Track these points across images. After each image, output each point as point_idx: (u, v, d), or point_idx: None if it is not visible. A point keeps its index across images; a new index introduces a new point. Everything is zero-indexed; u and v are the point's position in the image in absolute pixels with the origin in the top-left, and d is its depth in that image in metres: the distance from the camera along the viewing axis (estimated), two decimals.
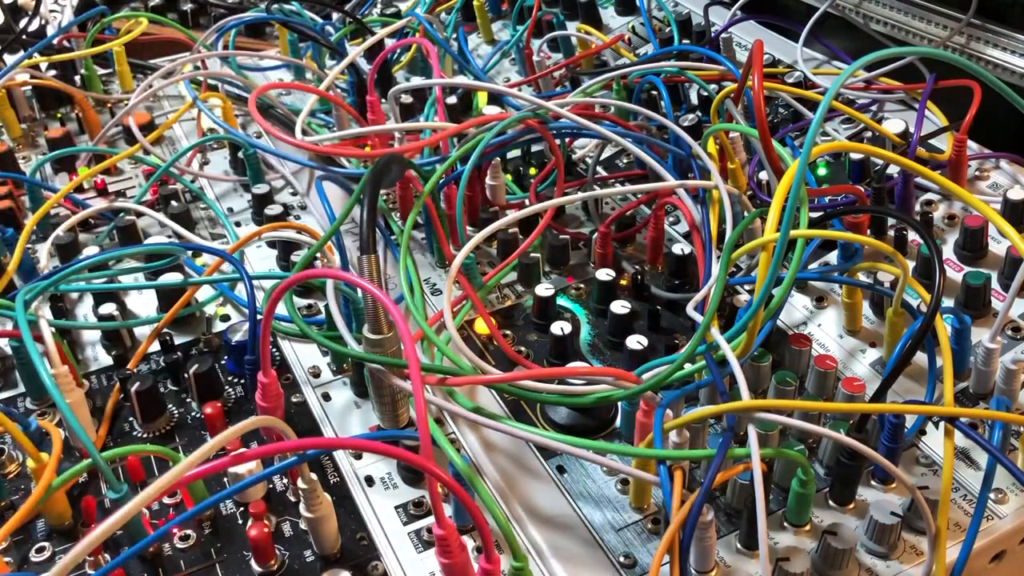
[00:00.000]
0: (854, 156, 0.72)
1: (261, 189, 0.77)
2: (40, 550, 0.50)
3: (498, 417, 0.52)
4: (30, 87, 0.94)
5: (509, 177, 0.78)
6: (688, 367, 0.54)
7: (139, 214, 0.74)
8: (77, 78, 0.96)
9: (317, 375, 0.61)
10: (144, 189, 0.78)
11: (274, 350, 0.63)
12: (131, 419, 0.58)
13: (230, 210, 0.79)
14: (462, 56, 0.94)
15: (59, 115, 0.94)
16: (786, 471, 0.52)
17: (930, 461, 0.54)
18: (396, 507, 0.52)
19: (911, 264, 0.63)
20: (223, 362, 0.62)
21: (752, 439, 0.46)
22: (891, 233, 0.66)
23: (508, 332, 0.65)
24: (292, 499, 0.52)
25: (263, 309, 0.51)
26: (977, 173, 0.73)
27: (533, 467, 0.54)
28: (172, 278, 0.66)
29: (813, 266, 0.66)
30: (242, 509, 0.52)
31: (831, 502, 0.52)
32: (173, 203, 0.76)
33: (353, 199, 0.64)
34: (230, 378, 0.61)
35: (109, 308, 0.63)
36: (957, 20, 0.85)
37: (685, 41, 0.92)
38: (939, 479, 0.52)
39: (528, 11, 0.96)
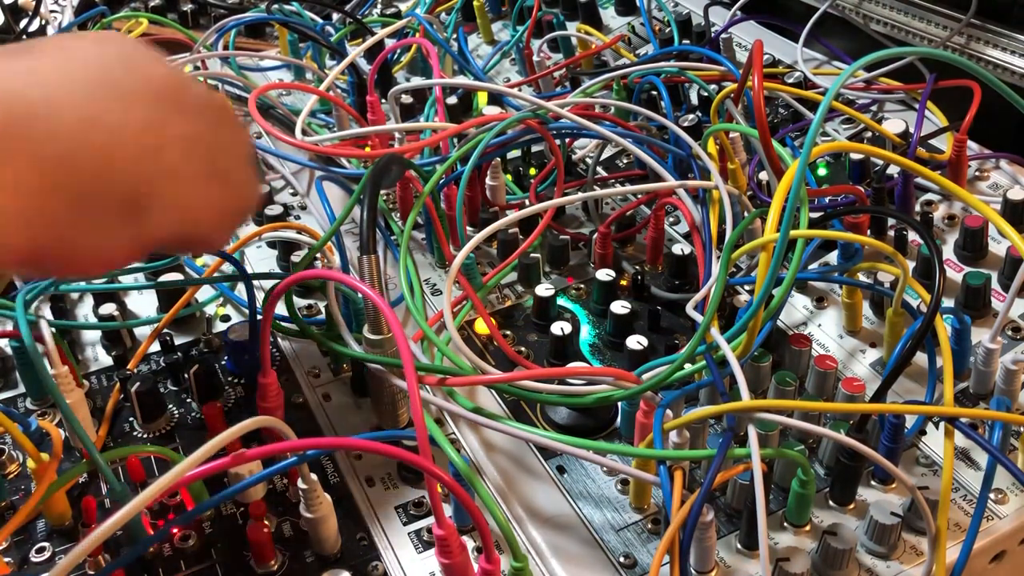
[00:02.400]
0: (854, 156, 0.72)
1: (261, 189, 0.77)
2: (40, 550, 0.50)
3: (498, 417, 0.52)
4: None
5: (509, 177, 0.78)
6: (688, 367, 0.54)
7: None
8: None
9: (317, 375, 0.61)
10: None
11: (274, 350, 0.63)
12: (131, 419, 0.58)
13: None
14: (462, 56, 0.94)
15: None
16: (786, 471, 0.52)
17: (930, 461, 0.54)
18: (396, 507, 0.52)
19: (911, 264, 0.63)
20: (223, 362, 0.62)
21: (752, 439, 0.46)
22: (891, 233, 0.66)
23: (508, 332, 0.65)
24: (292, 499, 0.52)
25: (263, 309, 0.51)
26: (977, 173, 0.73)
27: (533, 467, 0.54)
28: (172, 278, 0.66)
29: (813, 266, 0.66)
30: (242, 509, 0.52)
31: (831, 502, 0.52)
32: None
33: (353, 199, 0.64)
34: (230, 378, 0.61)
35: (109, 308, 0.63)
36: (957, 20, 0.85)
37: (685, 41, 0.92)
38: (939, 479, 0.52)
39: (528, 11, 0.96)
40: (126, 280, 0.69)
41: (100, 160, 0.38)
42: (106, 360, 0.63)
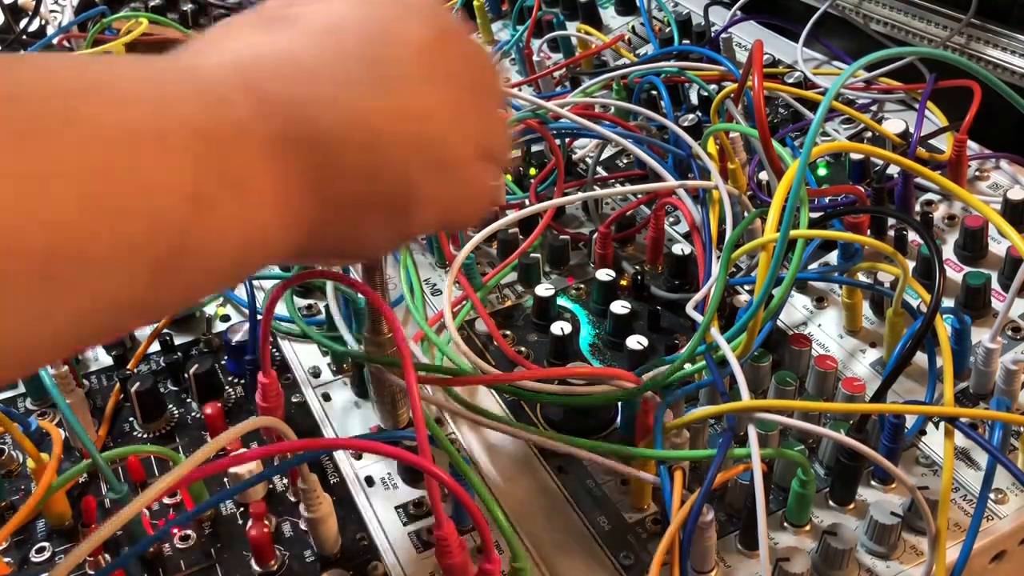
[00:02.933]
0: (854, 156, 0.72)
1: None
2: (40, 550, 0.50)
3: (498, 417, 0.52)
4: None
5: (509, 177, 0.78)
6: (688, 367, 0.54)
7: None
8: None
9: (317, 375, 0.61)
10: None
11: (274, 350, 0.63)
12: (131, 419, 0.58)
13: None
14: None
15: None
16: (786, 471, 0.52)
17: (930, 461, 0.54)
18: (396, 507, 0.52)
19: (911, 264, 0.63)
20: (223, 362, 0.62)
21: (752, 439, 0.46)
22: (891, 233, 0.66)
23: (508, 332, 0.65)
24: (292, 499, 0.52)
25: (263, 309, 0.51)
26: (977, 173, 0.73)
27: (533, 467, 0.54)
28: None
29: (813, 266, 0.66)
30: (242, 509, 0.52)
31: (831, 502, 0.52)
32: None
33: None
34: (230, 378, 0.61)
35: None
36: (957, 20, 0.84)
37: (685, 41, 0.92)
38: (939, 479, 0.52)
39: (528, 11, 0.96)
40: None
41: (363, 166, 0.35)
42: (106, 360, 0.63)
